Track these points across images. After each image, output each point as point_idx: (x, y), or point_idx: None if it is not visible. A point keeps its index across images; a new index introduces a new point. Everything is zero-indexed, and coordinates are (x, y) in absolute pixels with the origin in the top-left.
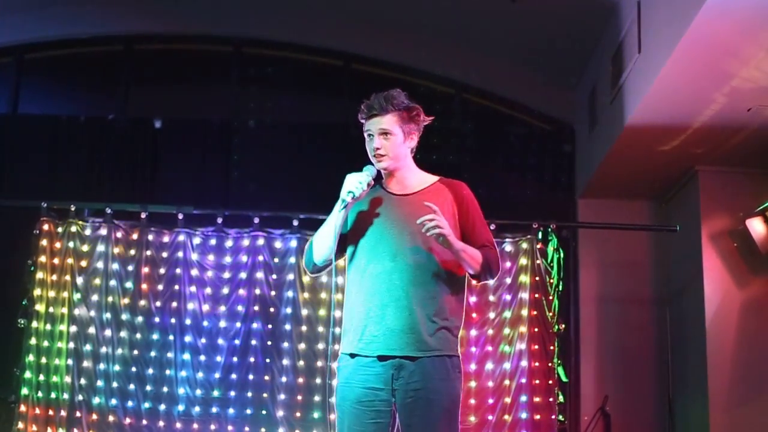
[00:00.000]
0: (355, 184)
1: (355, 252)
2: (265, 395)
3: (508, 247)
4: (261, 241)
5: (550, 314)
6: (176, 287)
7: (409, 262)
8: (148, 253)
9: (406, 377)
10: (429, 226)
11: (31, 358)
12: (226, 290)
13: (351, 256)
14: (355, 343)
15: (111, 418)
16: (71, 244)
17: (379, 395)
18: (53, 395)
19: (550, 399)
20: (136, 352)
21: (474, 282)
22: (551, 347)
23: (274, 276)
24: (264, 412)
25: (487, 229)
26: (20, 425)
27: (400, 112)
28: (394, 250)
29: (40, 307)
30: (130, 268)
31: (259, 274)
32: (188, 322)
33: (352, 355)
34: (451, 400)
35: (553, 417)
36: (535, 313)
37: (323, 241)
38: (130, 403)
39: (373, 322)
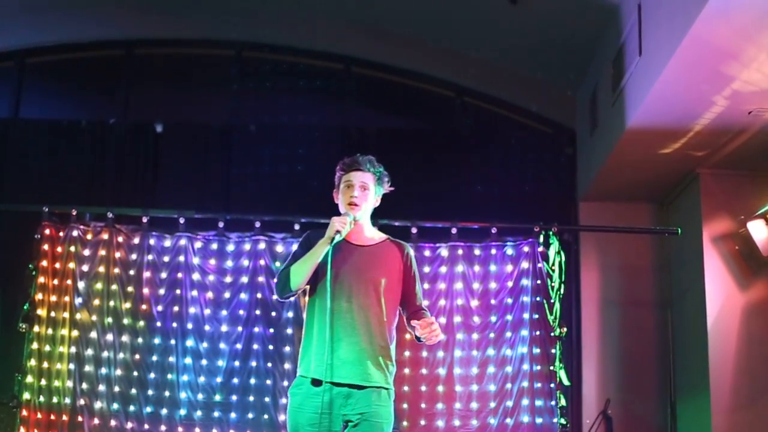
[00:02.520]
0: (341, 224)
1: (318, 289)
2: (267, 399)
3: (509, 251)
4: (262, 245)
5: (552, 317)
6: (178, 291)
7: (362, 305)
8: (150, 257)
9: (353, 404)
10: (435, 336)
11: (32, 362)
12: (227, 294)
13: (314, 293)
14: (313, 368)
15: (113, 423)
16: (73, 249)
17: (326, 418)
18: (55, 400)
19: (552, 402)
20: (137, 356)
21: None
22: (553, 350)
23: (276, 280)
24: (266, 416)
25: (421, 288)
26: (22, 430)
27: (379, 175)
28: (351, 293)
29: (41, 312)
30: (132, 272)
31: (261, 278)
32: (190, 326)
33: (307, 379)
34: (388, 423)
35: (555, 420)
36: (536, 316)
37: (306, 271)
38: (131, 408)
39: (329, 351)
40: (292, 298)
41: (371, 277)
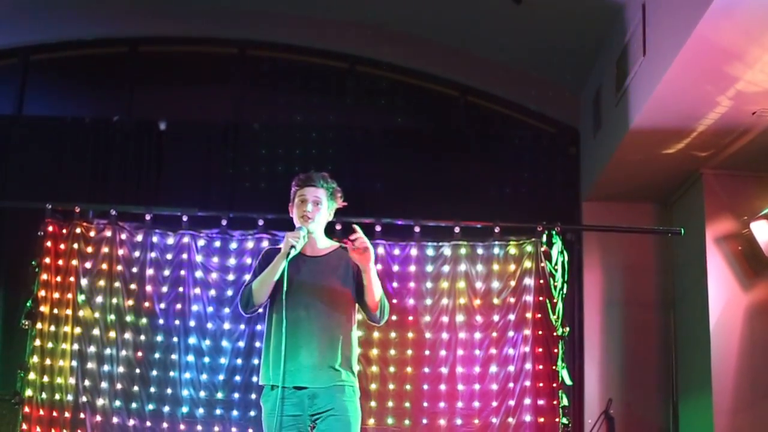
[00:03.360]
0: (294, 239)
1: (276, 300)
2: None
3: (512, 250)
4: (265, 243)
5: (555, 317)
6: (180, 289)
7: (320, 312)
8: (153, 254)
9: (318, 402)
10: (360, 242)
11: (35, 359)
12: (230, 292)
13: (271, 305)
14: (275, 376)
15: (115, 420)
16: (76, 246)
17: (298, 420)
18: (57, 396)
19: (554, 402)
20: (140, 353)
21: (373, 322)
22: (555, 350)
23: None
24: None
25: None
26: (24, 426)
27: (331, 191)
28: (307, 302)
29: (44, 309)
30: (135, 269)
31: None
32: (192, 323)
33: (273, 387)
34: (356, 417)
35: (557, 420)
36: (539, 316)
37: (266, 287)
38: (134, 405)
39: (289, 359)
40: (259, 311)
41: (325, 285)
